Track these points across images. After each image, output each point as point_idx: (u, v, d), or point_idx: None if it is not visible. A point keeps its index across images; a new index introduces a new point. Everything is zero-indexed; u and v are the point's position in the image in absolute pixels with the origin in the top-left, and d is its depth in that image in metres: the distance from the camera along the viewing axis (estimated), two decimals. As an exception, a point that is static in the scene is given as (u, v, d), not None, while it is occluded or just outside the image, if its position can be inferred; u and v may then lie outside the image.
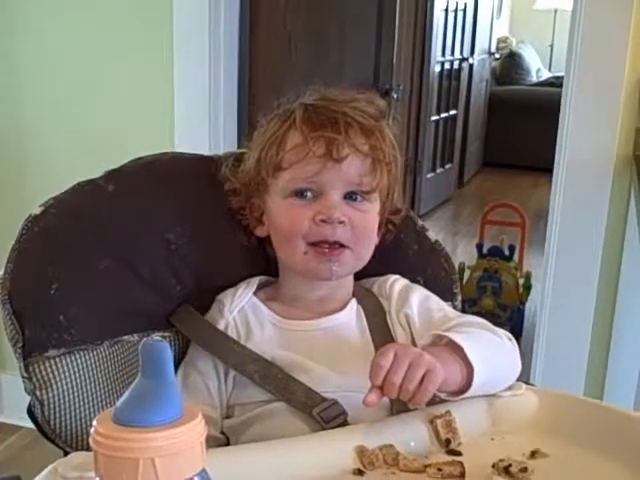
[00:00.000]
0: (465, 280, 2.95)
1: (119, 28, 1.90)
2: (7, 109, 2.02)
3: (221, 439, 0.91)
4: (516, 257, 3.06)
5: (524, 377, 0.93)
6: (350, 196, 0.91)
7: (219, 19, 1.85)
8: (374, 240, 0.96)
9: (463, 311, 1.05)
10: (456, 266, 1.13)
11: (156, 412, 0.50)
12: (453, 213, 4.87)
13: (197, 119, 1.88)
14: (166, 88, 1.87)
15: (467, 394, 0.83)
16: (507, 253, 3.00)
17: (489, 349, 0.87)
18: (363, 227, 0.92)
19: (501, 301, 2.95)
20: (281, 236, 0.94)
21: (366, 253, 0.95)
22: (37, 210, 0.91)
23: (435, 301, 0.98)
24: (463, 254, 3.57)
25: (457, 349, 0.82)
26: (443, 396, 0.84)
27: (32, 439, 1.98)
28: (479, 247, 3.04)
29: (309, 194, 0.91)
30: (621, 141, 1.69)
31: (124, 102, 1.93)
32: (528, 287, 2.98)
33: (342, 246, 0.91)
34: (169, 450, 0.48)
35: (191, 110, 1.87)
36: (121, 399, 0.51)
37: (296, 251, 0.91)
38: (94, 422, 0.50)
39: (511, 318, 2.92)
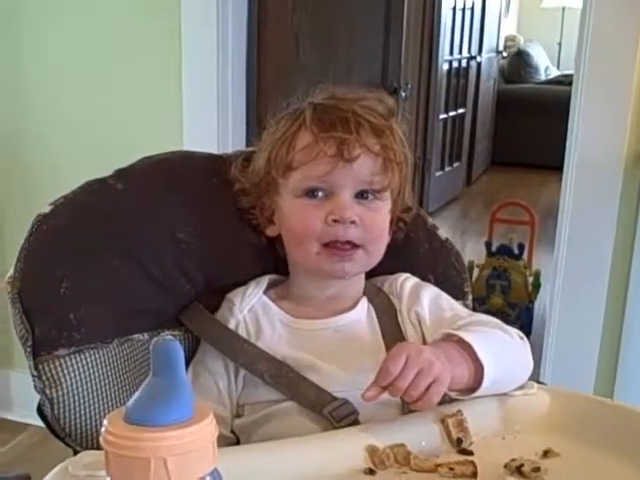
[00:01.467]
0: (474, 278, 2.94)
1: (126, 29, 1.90)
2: (12, 107, 2.02)
3: (231, 438, 0.91)
4: (525, 255, 3.05)
5: (533, 375, 0.92)
6: (362, 195, 0.91)
7: (227, 20, 1.84)
8: (386, 239, 0.95)
9: (473, 310, 1.04)
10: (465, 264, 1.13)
11: (167, 411, 0.49)
12: (461, 211, 4.86)
13: (205, 118, 1.88)
14: (174, 87, 1.87)
15: (477, 393, 0.83)
16: (516, 251, 2.99)
17: (500, 348, 0.86)
18: (375, 226, 0.92)
19: (510, 299, 2.94)
20: (293, 237, 0.94)
21: (378, 252, 0.94)
22: (46, 209, 0.91)
23: (446, 299, 0.97)
24: (472, 252, 3.56)
25: (467, 348, 0.82)
26: (453, 395, 0.84)
27: (41, 437, 1.98)
28: (488, 245, 3.03)
29: (320, 194, 0.90)
30: (631, 139, 1.67)
31: (132, 101, 1.93)
32: (537, 285, 2.97)
33: (354, 246, 0.90)
34: (181, 449, 0.48)
35: (199, 109, 1.87)
36: (132, 398, 0.51)
37: (309, 252, 0.91)
38: (105, 422, 0.50)
39: (520, 316, 2.91)
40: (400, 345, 0.81)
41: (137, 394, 0.51)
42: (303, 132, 0.91)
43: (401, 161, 0.93)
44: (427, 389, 0.77)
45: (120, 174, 0.97)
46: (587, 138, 1.70)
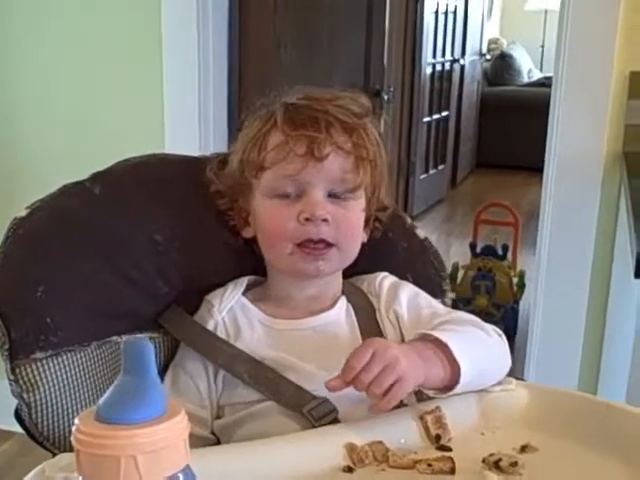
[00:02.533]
0: (459, 279, 2.94)
1: (108, 29, 1.90)
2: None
3: (211, 439, 0.90)
4: (509, 256, 3.07)
5: (518, 375, 0.93)
6: (334, 194, 0.91)
7: (208, 21, 1.84)
8: (360, 237, 0.96)
9: (456, 309, 1.04)
10: (450, 266, 1.13)
11: (138, 409, 0.49)
12: (446, 214, 4.87)
13: (187, 121, 1.87)
14: (156, 90, 1.87)
15: (455, 391, 0.83)
16: (500, 252, 3.00)
17: (476, 346, 0.87)
18: (348, 224, 0.92)
19: (495, 300, 2.95)
20: (267, 238, 0.94)
21: (352, 250, 0.94)
22: (23, 212, 0.91)
23: (424, 298, 0.98)
24: (457, 254, 3.57)
25: (443, 347, 0.82)
26: (431, 393, 0.84)
27: (25, 445, 1.96)
28: (472, 246, 3.04)
29: (292, 193, 0.90)
30: (610, 139, 1.69)
31: (113, 104, 1.93)
32: (522, 286, 2.99)
33: (328, 245, 0.90)
34: (151, 447, 0.48)
35: (181, 112, 1.87)
36: (103, 397, 0.51)
37: (282, 252, 0.91)
38: (76, 420, 0.50)
39: (505, 317, 2.92)
40: (368, 340, 0.81)
41: (108, 392, 0.51)
42: (274, 132, 0.91)
43: (374, 159, 0.93)
44: (391, 387, 0.77)
45: (97, 177, 0.97)
46: (567, 138, 1.71)
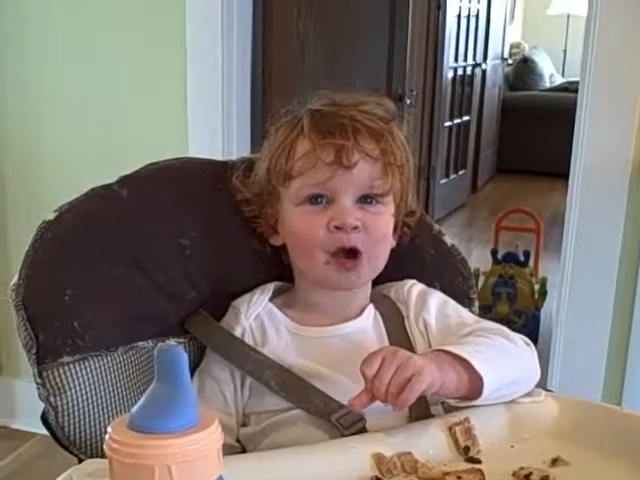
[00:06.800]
0: (480, 286, 2.92)
1: (132, 33, 1.90)
2: (18, 111, 2.01)
3: (237, 447, 0.90)
4: (531, 263, 3.04)
5: (541, 383, 0.91)
6: (364, 199, 0.90)
7: (232, 26, 1.84)
8: (389, 243, 0.95)
9: (479, 317, 1.03)
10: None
11: (172, 418, 0.49)
12: (467, 219, 4.85)
13: (210, 124, 1.87)
14: (179, 93, 1.87)
15: (479, 401, 0.82)
16: (522, 259, 2.98)
17: (501, 356, 0.85)
18: (377, 230, 0.91)
19: (516, 307, 2.93)
20: (298, 245, 0.93)
21: (382, 257, 0.93)
22: (51, 215, 0.91)
23: (452, 306, 0.97)
24: (477, 260, 3.54)
25: (461, 359, 0.81)
26: (452, 402, 0.83)
27: (46, 446, 1.97)
28: (494, 253, 3.02)
29: (321, 200, 0.90)
30: (637, 145, 1.67)
31: (137, 107, 1.93)
32: (544, 293, 2.96)
33: (359, 252, 0.90)
34: (186, 457, 0.48)
35: (204, 115, 1.87)
36: (136, 405, 0.50)
37: (317, 261, 0.90)
38: (109, 428, 0.50)
39: (526, 324, 2.89)
40: (377, 349, 0.80)
41: (141, 400, 0.50)
42: (301, 140, 0.90)
43: (402, 164, 0.92)
44: (408, 382, 0.75)
45: (125, 181, 0.97)
46: (593, 145, 1.69)
